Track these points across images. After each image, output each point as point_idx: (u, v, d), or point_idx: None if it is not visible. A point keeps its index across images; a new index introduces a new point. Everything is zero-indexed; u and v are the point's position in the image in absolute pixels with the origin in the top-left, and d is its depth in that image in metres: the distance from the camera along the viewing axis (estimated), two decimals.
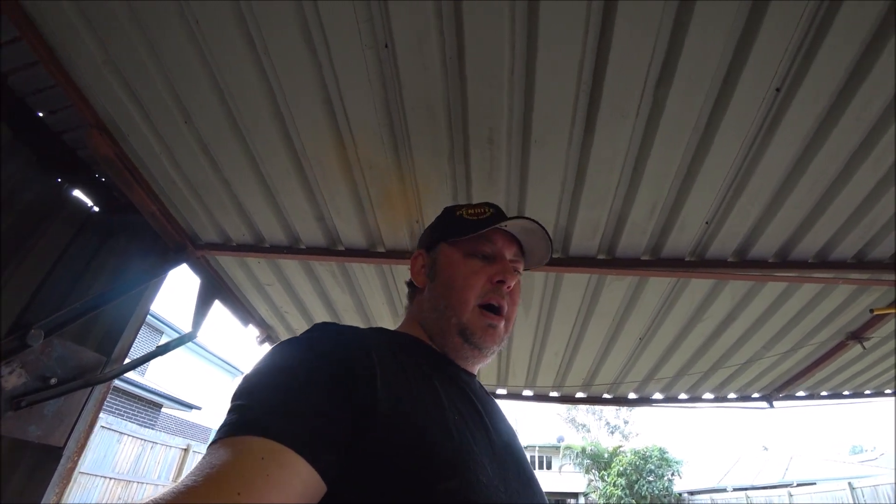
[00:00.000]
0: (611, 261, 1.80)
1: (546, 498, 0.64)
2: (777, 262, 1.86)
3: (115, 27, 1.20)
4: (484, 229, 0.73)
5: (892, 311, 2.05)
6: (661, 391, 3.07)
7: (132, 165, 1.60)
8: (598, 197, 1.55)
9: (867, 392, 3.17)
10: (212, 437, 0.43)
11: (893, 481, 10.16)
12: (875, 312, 2.10)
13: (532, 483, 0.62)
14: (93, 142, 1.49)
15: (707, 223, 1.69)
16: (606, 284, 1.96)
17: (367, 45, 1.16)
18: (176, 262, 1.99)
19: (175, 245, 1.94)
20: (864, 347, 2.39)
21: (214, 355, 15.76)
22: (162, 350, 2.02)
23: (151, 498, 0.35)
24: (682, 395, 3.13)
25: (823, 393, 3.19)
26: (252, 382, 0.48)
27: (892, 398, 3.16)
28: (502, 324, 0.71)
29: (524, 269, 0.80)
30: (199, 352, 15.00)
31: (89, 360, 1.79)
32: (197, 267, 2.08)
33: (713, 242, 1.76)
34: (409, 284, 0.82)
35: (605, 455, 17.82)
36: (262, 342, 2.68)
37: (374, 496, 0.45)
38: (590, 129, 1.35)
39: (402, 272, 2.00)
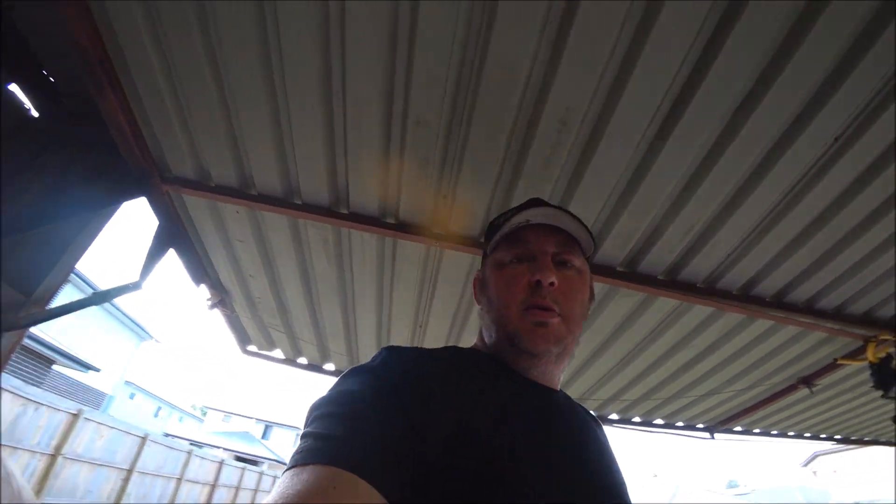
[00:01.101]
0: (629, 274, 1.73)
1: None
2: (771, 303, 1.90)
3: None
4: (505, 230, 0.69)
5: (853, 362, 2.19)
6: (619, 412, 3.11)
7: (109, 61, 1.28)
8: (643, 207, 1.47)
9: (792, 434, 3.42)
10: (287, 463, 0.44)
11: None
12: (838, 362, 2.22)
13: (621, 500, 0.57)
14: (67, 20, 1.15)
15: (728, 255, 1.67)
16: (615, 298, 1.90)
17: None
18: (134, 194, 1.65)
19: (138, 173, 1.60)
20: (811, 392, 2.55)
21: (124, 314, 14.23)
22: (100, 297, 1.66)
23: None
24: (636, 419, 3.19)
25: (756, 430, 3.40)
26: (323, 409, 0.49)
27: (813, 440, 3.44)
28: (555, 319, 0.63)
29: (586, 256, 0.72)
30: (107, 308, 13.47)
31: (3, 298, 1.41)
32: (158, 205, 1.74)
33: (726, 274, 1.75)
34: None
35: None
36: (212, 307, 2.34)
37: None
38: (662, 136, 1.26)
39: (408, 251, 1.80)
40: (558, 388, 0.71)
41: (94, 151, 1.60)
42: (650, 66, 1.10)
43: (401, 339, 2.52)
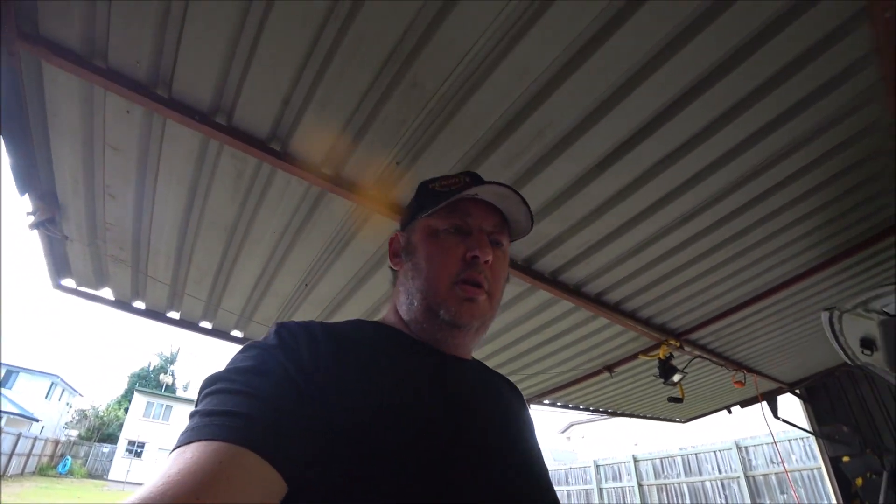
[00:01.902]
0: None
1: (555, 496, 0.61)
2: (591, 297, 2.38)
3: None
4: (453, 198, 0.67)
5: (648, 357, 2.93)
6: None
7: None
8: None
9: (588, 407, 4.36)
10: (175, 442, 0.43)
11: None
12: (639, 356, 2.94)
13: (533, 480, 0.59)
14: None
15: (571, 259, 2.06)
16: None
17: None
18: None
19: None
20: (611, 375, 3.31)
21: None
22: None
23: None
24: None
25: (559, 403, 4.22)
26: (212, 387, 0.48)
27: (604, 415, 4.44)
28: (483, 297, 0.66)
29: (512, 240, 0.75)
30: None
31: None
32: (4, 70, 1.23)
33: (566, 271, 2.15)
34: (391, 268, 0.77)
35: None
36: (35, 225, 1.76)
37: (324, 493, 0.45)
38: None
39: (335, 205, 1.68)
40: (470, 357, 0.73)
41: None
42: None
43: (280, 294, 2.33)
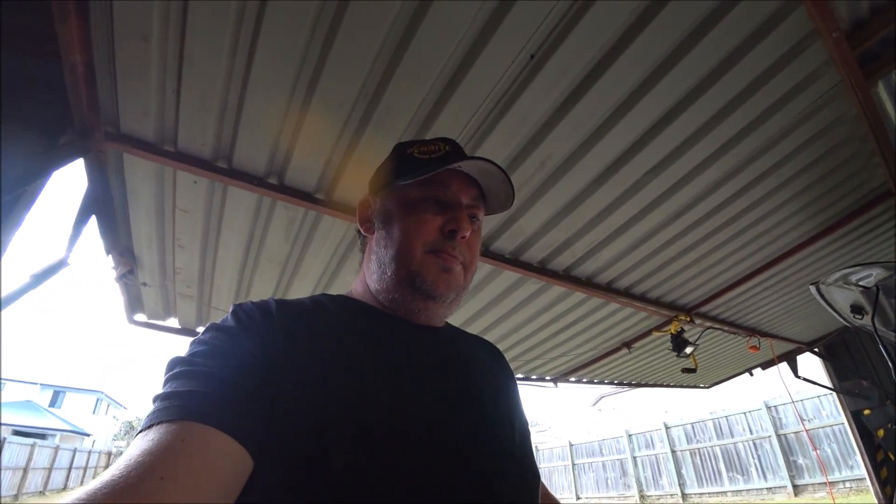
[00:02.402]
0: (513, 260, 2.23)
1: (532, 473, 0.61)
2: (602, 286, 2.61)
3: None
4: (435, 170, 0.64)
5: (661, 332, 3.15)
6: None
7: None
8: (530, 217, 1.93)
9: (614, 381, 4.60)
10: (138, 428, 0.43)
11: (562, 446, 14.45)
12: (653, 332, 3.16)
13: (508, 458, 0.58)
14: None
15: (586, 254, 2.29)
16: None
17: None
18: (70, 156, 1.42)
19: (80, 125, 1.39)
20: (629, 351, 3.54)
21: None
22: (34, 282, 1.39)
23: (73, 496, 0.34)
24: None
25: (584, 380, 4.47)
26: (173, 371, 0.48)
27: (626, 387, 4.68)
28: (459, 267, 0.65)
29: (486, 215, 0.74)
30: None
31: None
32: (93, 167, 1.52)
33: (582, 264, 2.38)
34: (359, 233, 0.76)
35: None
36: (119, 277, 2.08)
37: (282, 470, 0.45)
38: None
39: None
40: (443, 324, 0.72)
41: (21, 94, 1.32)
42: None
43: None
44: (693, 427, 11.53)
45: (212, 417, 0.42)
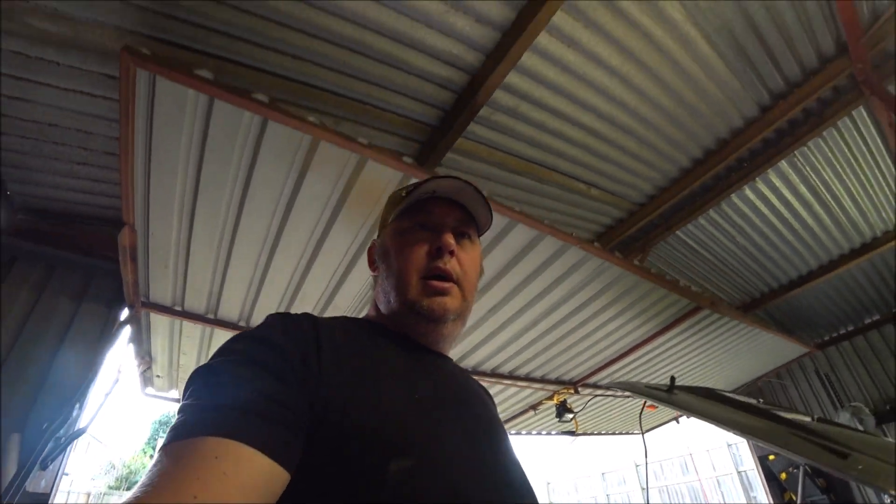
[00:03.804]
0: None
1: (530, 485, 0.62)
2: (491, 374, 3.52)
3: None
4: (412, 197, 0.71)
5: (549, 402, 4.03)
6: None
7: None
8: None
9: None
10: (161, 440, 0.43)
11: None
12: (544, 402, 4.04)
13: (511, 471, 0.60)
14: (124, 237, 1.95)
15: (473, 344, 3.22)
16: None
17: None
18: (124, 323, 2.38)
19: (129, 300, 2.35)
20: (535, 412, 4.39)
21: None
22: (106, 398, 2.33)
23: None
24: None
25: (523, 432, 5.28)
26: (200, 380, 0.48)
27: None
28: (453, 289, 0.68)
29: (480, 234, 0.79)
30: None
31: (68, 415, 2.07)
32: (132, 323, 2.49)
33: (471, 356, 3.31)
34: (373, 276, 0.80)
35: None
36: (143, 371, 3.02)
37: (329, 478, 0.46)
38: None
39: None
40: (449, 354, 0.74)
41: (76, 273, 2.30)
42: None
43: None
44: (661, 465, 12.12)
45: (244, 433, 0.41)
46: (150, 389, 3.61)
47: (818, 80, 2.46)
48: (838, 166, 3.02)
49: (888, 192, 3.27)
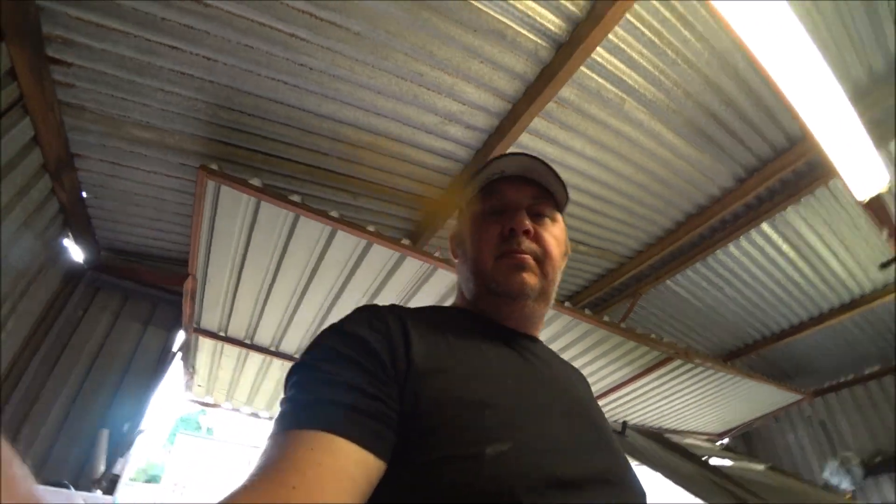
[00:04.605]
0: None
1: (626, 462, 0.61)
2: None
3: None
4: (480, 183, 0.72)
5: None
6: None
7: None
8: None
9: None
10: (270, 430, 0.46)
11: None
12: None
13: (609, 447, 0.60)
14: (188, 284, 2.47)
15: None
16: None
17: None
18: (181, 346, 2.92)
19: (185, 327, 2.88)
20: None
21: None
22: (167, 413, 2.88)
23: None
24: None
25: None
26: (297, 375, 0.52)
27: None
28: (531, 262, 0.67)
29: (560, 210, 0.76)
30: None
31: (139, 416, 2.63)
32: (186, 347, 3.02)
33: None
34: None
35: None
36: (186, 382, 3.58)
37: (425, 465, 0.47)
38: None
39: None
40: (538, 335, 0.74)
41: (157, 307, 2.84)
42: None
43: None
44: None
45: (337, 425, 0.44)
46: (190, 395, 4.19)
47: (790, 157, 2.73)
48: (819, 230, 3.24)
49: (872, 253, 3.43)
